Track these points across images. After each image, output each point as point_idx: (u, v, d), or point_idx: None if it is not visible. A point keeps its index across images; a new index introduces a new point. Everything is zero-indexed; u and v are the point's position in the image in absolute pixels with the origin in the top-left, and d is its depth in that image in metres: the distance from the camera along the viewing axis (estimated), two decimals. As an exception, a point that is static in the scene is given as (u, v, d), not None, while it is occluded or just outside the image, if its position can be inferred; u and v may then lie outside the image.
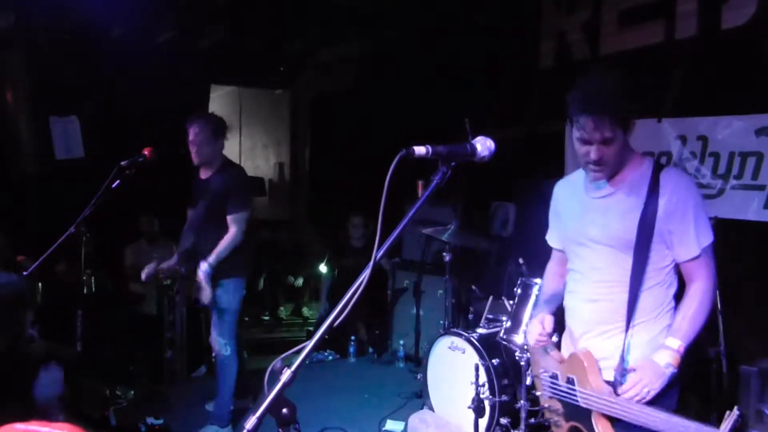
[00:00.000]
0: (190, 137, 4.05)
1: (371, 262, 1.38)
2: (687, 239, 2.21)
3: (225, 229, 4.02)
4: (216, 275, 3.99)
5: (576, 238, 2.39)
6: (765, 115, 3.96)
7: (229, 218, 4.01)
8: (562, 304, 2.55)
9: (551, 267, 2.71)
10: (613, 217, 2.25)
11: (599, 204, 2.32)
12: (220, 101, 8.97)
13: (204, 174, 4.17)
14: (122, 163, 3.23)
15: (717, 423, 3.14)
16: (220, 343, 4.13)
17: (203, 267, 3.90)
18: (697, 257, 2.22)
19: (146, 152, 3.35)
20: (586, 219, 2.34)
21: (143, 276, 4.36)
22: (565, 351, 2.49)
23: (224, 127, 4.16)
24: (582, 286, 2.38)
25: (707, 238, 2.23)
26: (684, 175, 2.35)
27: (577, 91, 2.21)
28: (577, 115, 2.19)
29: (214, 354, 4.25)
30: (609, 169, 2.23)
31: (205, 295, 3.97)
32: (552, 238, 2.65)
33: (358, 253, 6.25)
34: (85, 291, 5.09)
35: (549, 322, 2.48)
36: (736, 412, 3.57)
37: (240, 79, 8.22)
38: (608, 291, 2.28)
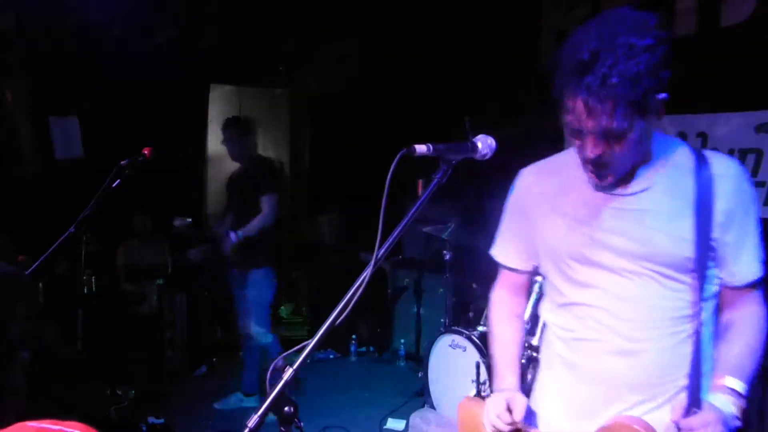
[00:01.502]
0: (225, 138, 4.64)
1: (372, 261, 1.38)
2: (748, 254, 1.55)
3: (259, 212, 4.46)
4: (247, 267, 4.44)
5: (578, 255, 1.61)
6: (764, 112, 3.97)
7: (262, 198, 4.44)
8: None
9: (504, 303, 1.91)
10: (656, 225, 1.52)
11: (626, 204, 1.57)
12: (219, 101, 8.96)
13: (239, 168, 4.72)
14: (122, 162, 3.22)
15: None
16: (260, 333, 4.50)
17: (232, 236, 4.34)
18: (756, 281, 1.57)
19: (146, 152, 3.35)
20: (601, 226, 1.58)
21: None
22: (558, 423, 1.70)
23: (250, 126, 4.70)
24: (598, 331, 1.58)
25: (762, 251, 1.58)
26: (737, 163, 1.59)
27: (570, 50, 1.44)
28: (564, 92, 1.45)
29: (251, 343, 4.57)
30: (616, 174, 1.54)
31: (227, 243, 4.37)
32: (505, 252, 1.87)
33: (330, 251, 6.28)
34: (85, 291, 5.10)
35: (520, 405, 1.65)
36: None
37: (239, 79, 8.21)
38: (654, 335, 1.53)
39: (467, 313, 4.74)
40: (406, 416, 4.32)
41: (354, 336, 5.87)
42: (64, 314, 4.50)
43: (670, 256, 1.51)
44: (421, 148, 1.44)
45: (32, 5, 5.22)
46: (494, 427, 1.63)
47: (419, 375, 4.52)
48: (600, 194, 1.60)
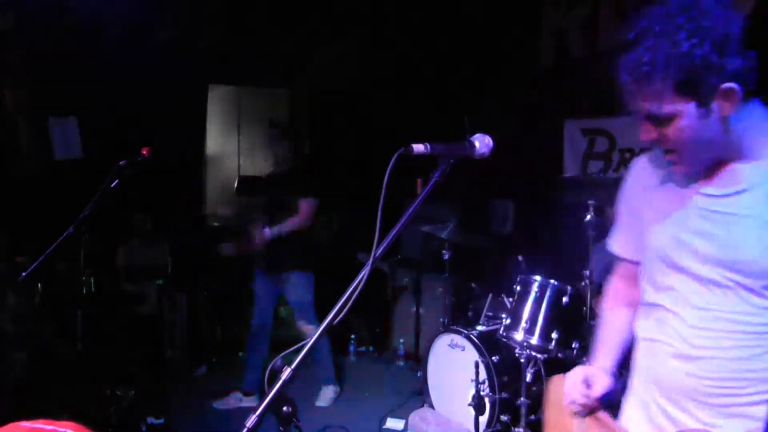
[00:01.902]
0: (270, 138, 4.78)
1: (371, 260, 1.38)
2: None
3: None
4: (288, 270, 4.55)
5: (663, 254, 1.52)
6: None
7: (301, 202, 4.53)
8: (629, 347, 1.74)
9: (617, 292, 1.82)
10: (747, 232, 1.39)
11: (716, 206, 1.44)
12: (219, 100, 8.96)
13: (277, 169, 4.76)
14: (121, 162, 3.23)
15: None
16: (312, 329, 4.56)
17: (265, 232, 4.44)
18: None
19: (145, 152, 3.35)
20: (687, 225, 1.47)
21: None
22: (637, 427, 1.62)
23: (288, 131, 4.84)
24: (667, 334, 1.52)
25: None
26: None
27: (627, 29, 1.39)
28: (619, 70, 1.39)
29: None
30: (688, 164, 1.45)
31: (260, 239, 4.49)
32: (620, 244, 1.75)
33: (328, 250, 6.28)
34: (84, 291, 5.10)
35: (600, 382, 1.64)
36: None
37: (238, 79, 8.21)
38: (722, 344, 1.44)
39: (466, 313, 4.75)
40: (405, 416, 4.32)
41: (353, 336, 5.87)
42: (64, 314, 4.50)
43: (758, 266, 1.38)
44: (418, 148, 1.44)
45: (32, 5, 5.22)
46: (569, 396, 1.64)
47: (418, 374, 4.53)
48: (691, 191, 1.48)
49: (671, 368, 1.50)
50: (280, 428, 1.29)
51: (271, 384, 1.29)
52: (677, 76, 1.30)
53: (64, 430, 1.05)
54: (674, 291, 1.50)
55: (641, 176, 1.65)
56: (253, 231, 4.53)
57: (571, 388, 1.64)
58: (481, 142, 1.55)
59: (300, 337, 4.59)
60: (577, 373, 1.68)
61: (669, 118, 1.36)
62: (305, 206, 4.53)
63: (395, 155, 1.38)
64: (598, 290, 4.22)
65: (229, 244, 4.98)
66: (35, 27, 5.54)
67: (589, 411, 1.64)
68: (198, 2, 5.86)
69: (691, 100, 1.33)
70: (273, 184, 4.78)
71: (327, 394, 4.77)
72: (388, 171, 1.37)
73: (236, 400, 4.64)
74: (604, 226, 4.06)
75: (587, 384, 1.64)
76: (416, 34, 6.37)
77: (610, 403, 1.64)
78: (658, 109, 1.35)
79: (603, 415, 1.63)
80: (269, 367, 1.33)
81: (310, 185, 4.63)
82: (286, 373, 1.29)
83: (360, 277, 1.39)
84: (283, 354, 1.36)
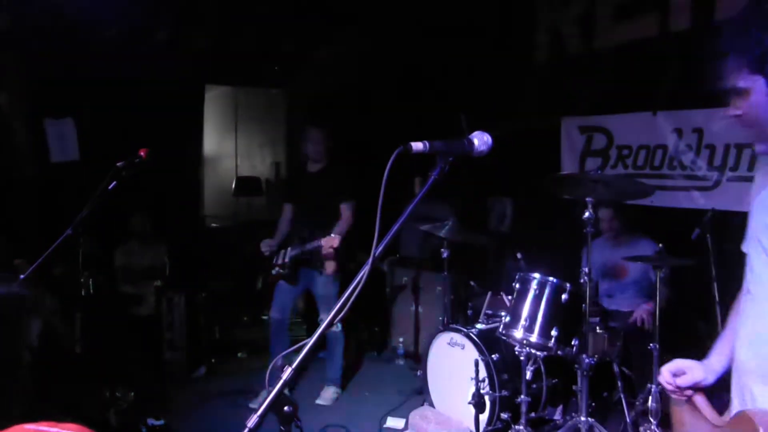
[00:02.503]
0: (310, 137, 4.76)
1: (370, 259, 1.38)
2: None
3: (338, 217, 4.64)
4: (317, 266, 4.58)
5: (755, 240, 1.61)
6: (760, 107, 3.97)
7: (342, 206, 4.65)
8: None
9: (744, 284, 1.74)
10: None
11: None
12: (215, 101, 8.95)
13: (313, 168, 4.81)
14: (118, 164, 3.22)
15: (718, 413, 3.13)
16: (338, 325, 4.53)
17: (335, 237, 4.37)
18: None
19: (142, 153, 3.34)
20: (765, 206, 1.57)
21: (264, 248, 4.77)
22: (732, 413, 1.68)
23: (331, 129, 4.85)
24: (747, 316, 1.60)
25: None
26: None
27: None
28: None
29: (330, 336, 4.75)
30: (754, 134, 1.55)
31: (329, 267, 4.58)
32: (745, 238, 1.76)
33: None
34: (83, 293, 5.09)
35: (691, 374, 1.72)
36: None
37: (235, 79, 8.20)
38: None
39: (466, 311, 4.75)
40: (405, 415, 4.32)
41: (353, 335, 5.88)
42: (63, 316, 4.50)
43: None
44: (417, 146, 1.44)
45: (27, 7, 5.20)
46: (662, 383, 1.77)
47: (418, 373, 4.53)
48: None
49: (747, 350, 1.58)
50: (281, 428, 1.29)
51: (272, 384, 1.29)
52: (747, 54, 1.46)
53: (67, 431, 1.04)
54: (754, 274, 1.60)
55: (757, 178, 1.72)
56: (321, 240, 4.43)
57: (661, 377, 1.76)
58: (480, 140, 1.55)
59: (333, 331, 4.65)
60: (675, 363, 1.77)
61: (744, 92, 1.49)
62: (349, 209, 4.65)
63: (394, 153, 1.38)
64: (596, 287, 4.24)
65: (270, 243, 4.80)
66: (31, 28, 5.52)
67: (686, 399, 1.74)
68: (194, 3, 5.84)
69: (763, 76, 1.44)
70: (308, 186, 4.80)
71: (329, 394, 4.78)
72: (387, 169, 1.37)
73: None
74: (621, 215, 4.09)
75: (677, 374, 1.72)
76: (413, 33, 6.36)
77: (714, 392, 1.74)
78: (741, 83, 1.49)
79: (700, 402, 1.72)
80: (269, 367, 1.32)
81: (351, 187, 4.71)
82: (287, 372, 1.28)
83: (360, 276, 1.39)
84: (283, 353, 1.36)
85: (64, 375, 4.19)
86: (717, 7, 4.17)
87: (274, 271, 4.69)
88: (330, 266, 4.58)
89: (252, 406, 4.65)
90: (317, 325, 1.33)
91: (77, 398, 4.16)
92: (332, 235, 4.37)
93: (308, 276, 4.71)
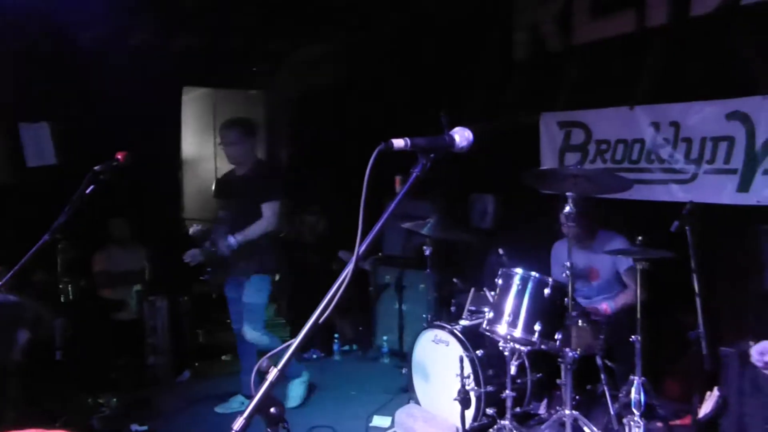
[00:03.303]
0: (224, 141, 4.45)
1: (353, 258, 1.37)
2: None
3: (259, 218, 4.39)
4: (244, 273, 4.41)
5: None
6: (735, 100, 4.03)
7: (263, 206, 4.36)
8: None
9: None
10: None
11: None
12: (193, 103, 8.88)
13: (239, 171, 4.55)
14: (96, 168, 3.18)
15: (699, 404, 3.20)
16: (256, 336, 4.44)
17: (231, 240, 4.26)
18: None
19: (120, 156, 3.30)
20: None
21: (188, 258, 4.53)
22: None
23: (254, 128, 4.61)
24: None
25: None
26: None
27: None
28: None
29: (245, 345, 4.56)
30: None
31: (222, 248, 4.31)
32: None
33: (309, 249, 6.27)
34: (62, 299, 5.02)
35: None
36: (717, 392, 3.64)
37: (213, 81, 8.14)
38: None
39: (449, 308, 4.76)
40: (391, 413, 4.32)
41: (336, 335, 5.87)
42: (46, 323, 4.43)
43: None
44: (398, 143, 1.44)
45: (1, 9, 5.12)
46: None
47: (403, 371, 4.53)
48: None
49: None
50: (268, 429, 1.28)
51: (258, 385, 1.29)
52: None
53: None
54: None
55: None
56: (219, 240, 4.33)
57: (752, 358, 2.13)
58: (461, 136, 1.55)
59: (254, 343, 4.48)
60: (759, 345, 2.19)
61: None
62: (269, 208, 4.37)
63: (375, 151, 1.38)
64: (577, 281, 4.26)
65: (195, 252, 4.53)
66: (5, 31, 5.43)
67: None
68: (171, 5, 5.79)
69: None
70: (232, 189, 4.59)
71: (233, 404, 4.62)
72: (369, 167, 1.37)
73: (239, 403, 4.61)
74: (581, 218, 4.10)
75: (764, 353, 2.12)
76: (391, 32, 6.37)
77: None
78: None
79: None
80: (255, 368, 1.32)
81: (273, 186, 4.45)
82: (273, 373, 1.28)
83: (344, 275, 1.38)
84: (269, 355, 1.35)
85: (47, 382, 4.14)
86: (692, 2, 4.22)
87: (191, 230, 4.57)
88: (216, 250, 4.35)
89: (218, 411, 4.61)
90: (300, 326, 1.32)
91: (60, 405, 4.11)
92: (234, 236, 4.24)
93: (236, 283, 4.54)
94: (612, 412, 3.65)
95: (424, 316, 5.00)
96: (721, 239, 4.06)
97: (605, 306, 4.11)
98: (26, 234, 3.04)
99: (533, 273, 3.65)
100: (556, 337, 3.53)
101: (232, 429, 1.22)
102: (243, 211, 4.41)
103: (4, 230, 5.19)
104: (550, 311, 3.56)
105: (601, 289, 4.23)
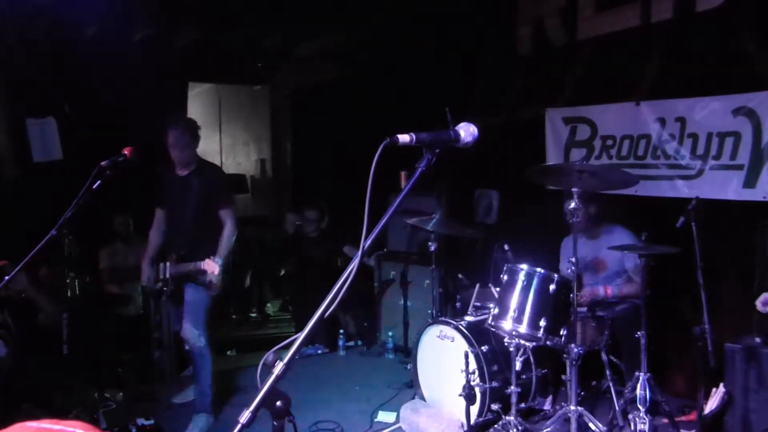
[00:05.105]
0: (170, 140, 4.18)
1: (359, 252, 1.37)
2: None
3: (218, 225, 4.17)
4: (202, 282, 4.09)
5: None
6: (741, 95, 4.01)
7: (222, 213, 4.18)
8: None
9: None
10: None
11: None
12: (198, 99, 8.90)
13: (181, 172, 4.27)
14: (102, 163, 3.19)
15: (704, 400, 3.20)
16: (194, 335, 4.17)
17: (217, 263, 3.94)
18: None
19: (126, 152, 3.31)
20: None
21: (144, 279, 4.39)
22: None
23: (198, 128, 4.32)
24: None
25: None
26: None
27: None
28: None
29: (187, 346, 4.29)
30: None
31: (215, 287, 4.08)
32: None
33: (312, 244, 6.27)
34: (69, 294, 5.04)
35: None
36: (722, 388, 3.64)
37: (218, 76, 8.16)
38: None
39: (454, 304, 4.76)
40: (396, 408, 4.33)
41: (341, 330, 5.88)
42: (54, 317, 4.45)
43: None
44: (404, 138, 1.44)
45: (6, 6, 5.13)
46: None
47: (408, 367, 4.54)
48: None
49: None
50: (274, 423, 1.28)
51: (263, 379, 1.29)
52: None
53: (71, 429, 1.03)
54: None
55: None
56: (204, 264, 3.96)
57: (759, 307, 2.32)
58: (466, 131, 1.55)
59: (189, 342, 4.21)
60: (763, 296, 2.42)
61: None
62: (229, 216, 4.18)
63: (381, 146, 1.38)
64: (585, 272, 4.26)
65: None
66: (10, 28, 5.45)
67: None
68: (177, 1, 5.79)
69: None
70: (176, 194, 4.29)
71: (200, 424, 4.17)
72: (374, 161, 1.36)
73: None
74: (587, 214, 4.10)
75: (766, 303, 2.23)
76: (395, 27, 6.36)
77: None
78: None
79: None
80: (261, 363, 1.32)
81: (228, 192, 4.30)
82: (279, 367, 1.28)
83: (349, 270, 1.38)
84: (274, 349, 1.36)
85: (53, 376, 4.17)
86: (698, -4, 4.20)
87: (156, 286, 4.32)
88: (215, 288, 4.08)
89: (175, 401, 4.59)
90: (304, 322, 1.32)
91: (66, 399, 4.13)
92: (215, 258, 3.92)
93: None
94: (617, 408, 3.65)
95: (429, 311, 5.00)
96: (727, 235, 4.05)
97: (608, 289, 4.09)
98: (33, 229, 3.06)
99: (538, 269, 3.65)
100: (561, 332, 3.52)
101: (238, 422, 1.23)
102: (198, 218, 4.16)
103: (11, 226, 5.21)
104: (556, 307, 3.56)
105: (608, 281, 4.23)
